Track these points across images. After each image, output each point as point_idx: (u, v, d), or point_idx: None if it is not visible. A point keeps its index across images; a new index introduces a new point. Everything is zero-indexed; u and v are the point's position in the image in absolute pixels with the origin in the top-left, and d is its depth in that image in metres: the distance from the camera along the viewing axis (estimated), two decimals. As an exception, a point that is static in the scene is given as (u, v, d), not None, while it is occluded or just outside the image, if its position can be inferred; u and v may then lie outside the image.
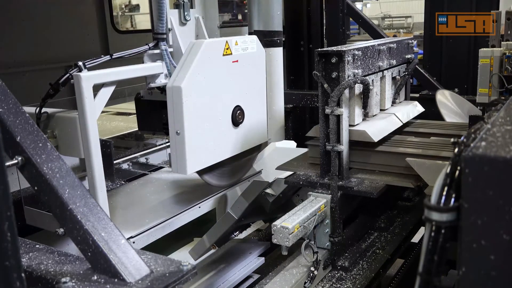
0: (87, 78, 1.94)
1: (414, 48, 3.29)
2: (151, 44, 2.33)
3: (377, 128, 2.66)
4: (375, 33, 4.71)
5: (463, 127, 2.98)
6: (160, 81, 2.35)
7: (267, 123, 2.75)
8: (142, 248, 2.48)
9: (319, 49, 2.48)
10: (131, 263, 1.49)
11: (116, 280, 1.45)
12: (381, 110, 3.02)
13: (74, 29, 3.56)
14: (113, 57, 2.18)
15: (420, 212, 2.24)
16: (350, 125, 2.56)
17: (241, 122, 2.49)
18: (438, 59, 4.76)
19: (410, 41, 3.23)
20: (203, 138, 2.26)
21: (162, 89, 2.38)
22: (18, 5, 3.19)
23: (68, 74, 1.97)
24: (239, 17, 10.21)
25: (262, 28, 2.90)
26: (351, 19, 5.19)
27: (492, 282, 0.89)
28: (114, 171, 3.45)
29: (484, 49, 2.82)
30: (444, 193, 1.02)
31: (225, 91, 2.36)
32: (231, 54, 2.35)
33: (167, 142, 4.49)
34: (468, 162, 0.87)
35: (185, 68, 2.14)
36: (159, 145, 4.43)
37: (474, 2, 4.47)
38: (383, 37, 4.39)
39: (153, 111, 2.48)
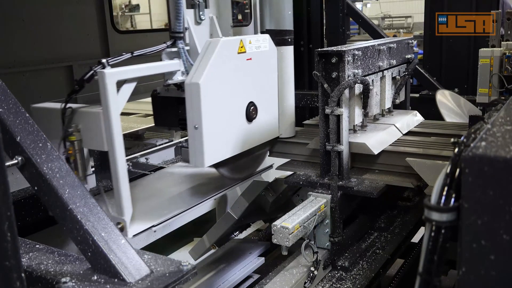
0: (111, 75, 2.01)
1: (414, 48, 3.29)
2: (168, 43, 2.41)
3: (377, 140, 2.66)
4: (375, 33, 4.70)
5: (463, 127, 2.98)
6: (177, 78, 2.42)
7: (279, 118, 2.83)
8: (142, 248, 2.48)
9: (319, 49, 2.48)
10: (131, 263, 1.49)
11: (116, 280, 1.45)
12: (381, 114, 3.02)
13: (74, 29, 3.56)
14: (133, 54, 2.24)
15: (420, 212, 2.24)
16: (350, 136, 2.56)
17: (255, 118, 2.57)
18: (438, 59, 4.76)
19: (410, 41, 3.23)
20: (219, 133, 2.35)
21: (179, 85, 2.47)
22: (17, 4, 3.19)
23: (92, 71, 2.03)
24: (239, 17, 10.21)
25: (274, 27, 2.98)
26: (351, 19, 5.19)
27: (492, 282, 0.89)
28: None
29: (484, 49, 2.82)
30: (444, 193, 1.02)
31: (240, 88, 2.44)
32: (245, 52, 2.44)
33: (167, 142, 4.49)
34: (468, 162, 0.87)
35: (203, 65, 2.23)
36: (159, 145, 4.43)
37: (474, 2, 4.47)
38: (383, 37, 4.39)
39: (169, 107, 2.55)
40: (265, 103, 2.65)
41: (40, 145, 1.53)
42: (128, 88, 2.11)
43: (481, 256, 0.89)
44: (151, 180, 3.01)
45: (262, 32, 2.94)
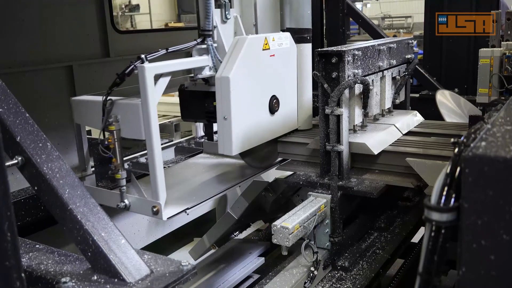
0: (150, 69, 2.17)
1: (414, 48, 3.29)
2: (199, 40, 2.59)
3: (377, 140, 2.66)
4: (375, 33, 4.71)
5: (463, 127, 2.98)
6: (206, 73, 2.59)
7: (297, 111, 3.00)
8: (142, 248, 2.48)
9: (319, 49, 2.48)
10: (131, 263, 1.49)
11: (116, 280, 1.45)
12: (381, 114, 3.02)
13: (74, 29, 3.56)
14: (168, 51, 2.42)
15: (420, 212, 2.24)
16: (350, 137, 2.57)
17: (277, 110, 2.75)
18: (438, 59, 4.76)
19: (410, 41, 3.23)
20: (246, 123, 2.53)
21: (206, 80, 2.64)
22: (17, 4, 3.19)
23: (132, 65, 2.20)
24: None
25: (294, 26, 3.15)
26: (351, 19, 5.19)
27: (492, 282, 0.89)
28: (114, 171, 3.46)
29: (484, 49, 2.81)
30: (444, 193, 1.02)
31: (264, 82, 2.62)
32: (269, 49, 2.63)
33: (167, 142, 4.49)
34: (468, 162, 0.87)
35: (232, 60, 2.41)
36: (159, 145, 4.43)
37: (474, 2, 4.47)
38: (383, 37, 4.39)
39: (196, 101, 2.70)
40: (286, 96, 2.82)
41: (40, 145, 1.53)
42: (164, 81, 2.27)
43: (481, 256, 0.89)
44: (177, 169, 3.19)
45: (282, 31, 3.14)
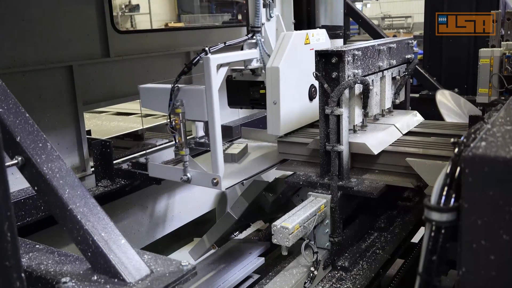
0: (214, 60, 2.50)
1: (414, 48, 3.29)
2: (249, 35, 2.95)
3: (377, 140, 2.66)
4: (375, 33, 4.71)
5: (463, 127, 2.98)
6: (254, 64, 2.96)
7: None
8: (142, 248, 2.48)
9: (319, 49, 2.48)
10: (131, 263, 1.49)
11: (116, 280, 1.45)
12: (381, 114, 3.02)
13: (74, 29, 3.56)
14: (226, 44, 2.73)
15: (420, 212, 2.24)
16: (350, 137, 2.58)
17: (314, 98, 3.08)
18: (438, 59, 4.76)
19: (410, 41, 3.23)
20: (290, 108, 2.89)
21: (253, 71, 3.01)
22: (18, 4, 3.18)
23: (198, 57, 2.52)
24: (239, 17, 10.20)
25: (328, 23, 3.59)
26: (351, 19, 5.19)
27: (492, 282, 0.89)
28: (114, 171, 3.47)
29: (484, 49, 2.82)
30: (444, 193, 1.02)
31: (304, 72, 2.91)
32: (309, 43, 2.99)
33: (167, 142, 4.50)
34: (468, 162, 0.87)
35: (280, 53, 2.79)
36: (159, 145, 4.43)
37: (474, 2, 4.47)
38: (383, 37, 4.39)
39: (242, 89, 3.07)
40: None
41: (40, 145, 1.53)
42: (223, 70, 2.60)
43: (481, 256, 0.89)
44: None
45: (318, 27, 3.50)
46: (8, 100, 1.52)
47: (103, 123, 5.71)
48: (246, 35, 2.97)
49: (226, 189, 2.69)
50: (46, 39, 3.36)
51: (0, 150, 1.00)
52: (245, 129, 3.73)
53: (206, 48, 2.56)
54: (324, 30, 3.14)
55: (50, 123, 3.40)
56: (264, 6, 2.96)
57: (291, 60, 2.81)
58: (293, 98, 2.89)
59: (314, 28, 3.54)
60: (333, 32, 3.43)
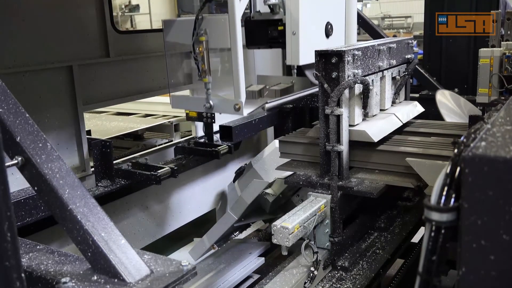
0: None
1: (414, 48, 3.29)
2: None
3: (377, 128, 2.66)
4: (375, 33, 4.70)
5: (463, 127, 2.98)
6: (272, 1, 3.04)
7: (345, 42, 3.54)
8: (142, 248, 2.48)
9: (319, 49, 2.48)
10: (131, 263, 1.49)
11: (116, 280, 1.45)
12: (381, 110, 3.02)
13: (74, 29, 3.55)
14: None
15: (420, 212, 2.24)
16: (350, 125, 2.56)
17: (331, 35, 3.24)
18: (438, 59, 4.76)
19: (410, 41, 3.23)
20: (309, 40, 3.02)
21: (272, 9, 3.10)
22: (17, 4, 3.18)
23: None
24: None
25: None
26: (351, 19, 5.18)
27: (492, 282, 0.89)
28: (114, 171, 3.46)
29: (484, 49, 2.82)
30: (444, 193, 1.02)
31: (322, 9, 3.14)
32: None
33: (167, 142, 4.49)
34: (468, 162, 0.87)
35: None
36: (159, 145, 4.43)
37: (474, 2, 4.47)
38: (383, 37, 4.39)
39: (260, 29, 3.16)
40: (336, 26, 3.36)
41: (40, 145, 1.53)
42: (245, 0, 2.72)
43: (481, 256, 0.89)
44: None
45: None
46: (8, 100, 1.52)
47: (103, 123, 5.70)
48: None
49: (248, 114, 2.85)
50: (46, 39, 3.36)
51: (0, 150, 1.00)
52: (260, 76, 3.98)
53: None
54: None
55: (50, 123, 3.39)
56: None
57: None
58: (311, 31, 3.03)
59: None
60: None
